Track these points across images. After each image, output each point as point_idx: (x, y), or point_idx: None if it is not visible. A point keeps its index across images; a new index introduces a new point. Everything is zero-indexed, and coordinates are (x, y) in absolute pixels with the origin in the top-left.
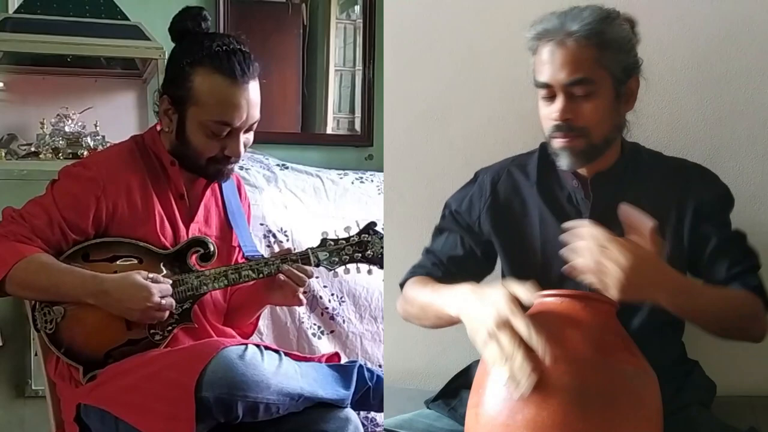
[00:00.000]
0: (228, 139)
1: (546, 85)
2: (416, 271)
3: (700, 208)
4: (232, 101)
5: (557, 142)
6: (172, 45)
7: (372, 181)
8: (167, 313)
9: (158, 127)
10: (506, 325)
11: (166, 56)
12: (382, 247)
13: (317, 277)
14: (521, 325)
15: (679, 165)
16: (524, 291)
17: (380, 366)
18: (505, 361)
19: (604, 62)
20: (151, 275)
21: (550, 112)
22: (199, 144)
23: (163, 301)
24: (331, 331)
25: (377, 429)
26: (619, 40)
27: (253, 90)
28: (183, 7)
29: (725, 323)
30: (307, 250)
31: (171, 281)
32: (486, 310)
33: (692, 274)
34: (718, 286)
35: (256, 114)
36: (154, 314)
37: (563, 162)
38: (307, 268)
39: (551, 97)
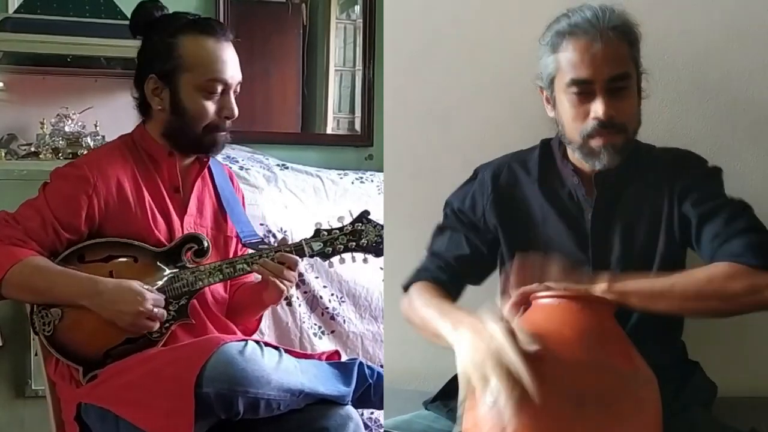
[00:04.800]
0: (222, 98)
1: (585, 82)
2: (421, 275)
3: (684, 193)
4: (221, 57)
5: (598, 141)
6: None
7: (372, 181)
8: (156, 324)
9: (145, 125)
10: (502, 365)
11: None
12: (376, 236)
13: (317, 277)
14: (518, 366)
15: (670, 156)
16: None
17: (381, 366)
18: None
19: (633, 57)
20: (146, 286)
21: (587, 111)
22: (196, 108)
23: (155, 310)
24: (332, 331)
25: (380, 430)
26: (639, 37)
27: (233, 50)
28: (170, 6)
29: (711, 305)
30: (301, 241)
31: (164, 298)
32: (481, 348)
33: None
34: (687, 272)
35: (239, 73)
36: (145, 322)
37: (603, 160)
38: (291, 256)
39: (587, 94)
